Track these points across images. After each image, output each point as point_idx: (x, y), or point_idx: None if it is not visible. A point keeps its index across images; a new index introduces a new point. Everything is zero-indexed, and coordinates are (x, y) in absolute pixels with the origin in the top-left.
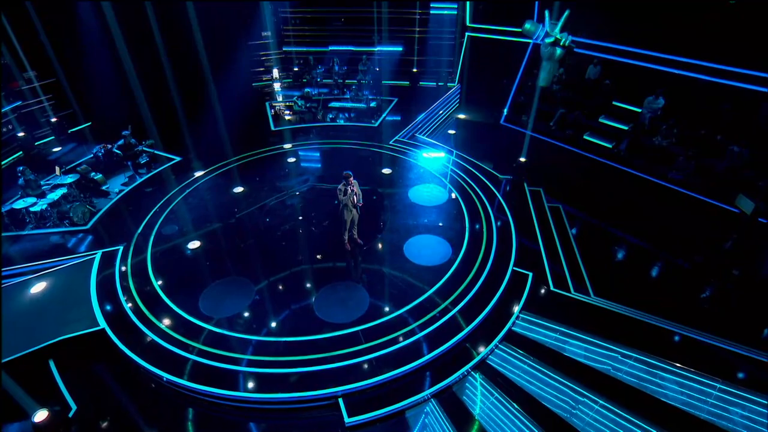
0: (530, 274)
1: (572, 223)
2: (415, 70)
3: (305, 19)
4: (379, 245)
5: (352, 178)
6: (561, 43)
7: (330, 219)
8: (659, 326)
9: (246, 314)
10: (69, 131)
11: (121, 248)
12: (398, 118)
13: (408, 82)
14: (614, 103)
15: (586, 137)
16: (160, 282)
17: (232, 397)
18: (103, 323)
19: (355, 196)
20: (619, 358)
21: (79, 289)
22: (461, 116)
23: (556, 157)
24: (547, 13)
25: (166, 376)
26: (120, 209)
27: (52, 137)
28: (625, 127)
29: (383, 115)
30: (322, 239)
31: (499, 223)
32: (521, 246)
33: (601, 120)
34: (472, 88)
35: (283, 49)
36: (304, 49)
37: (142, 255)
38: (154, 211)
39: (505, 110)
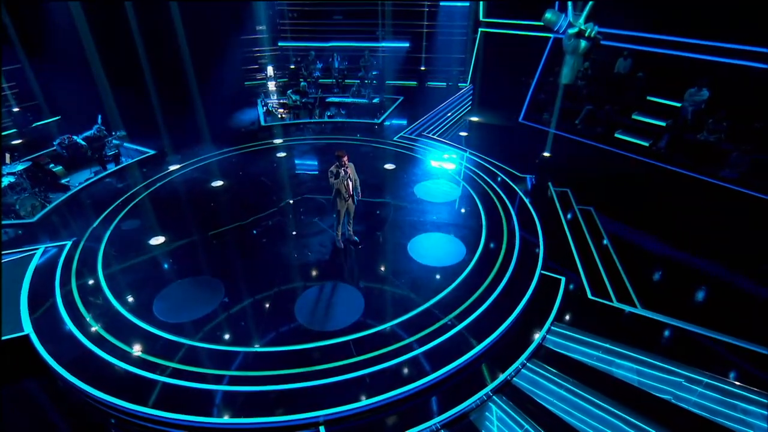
0: (562, 279)
1: (607, 227)
2: (423, 68)
3: (303, 13)
4: (380, 242)
5: (346, 159)
6: (586, 35)
7: (319, 215)
8: (735, 344)
9: (210, 319)
10: (33, 125)
11: (69, 243)
12: (403, 116)
13: (416, 82)
14: (648, 98)
15: (618, 135)
16: (110, 282)
17: (180, 423)
18: (28, 328)
19: (349, 181)
20: (684, 383)
21: (8, 288)
22: (474, 119)
23: (585, 156)
24: (570, 1)
25: (99, 395)
26: (77, 203)
27: (14, 129)
28: (663, 123)
29: (387, 113)
30: (310, 235)
31: (521, 222)
32: (549, 249)
33: (634, 117)
34: (486, 89)
35: (279, 44)
36: (302, 44)
37: (93, 251)
38: (115, 204)
39: (524, 108)
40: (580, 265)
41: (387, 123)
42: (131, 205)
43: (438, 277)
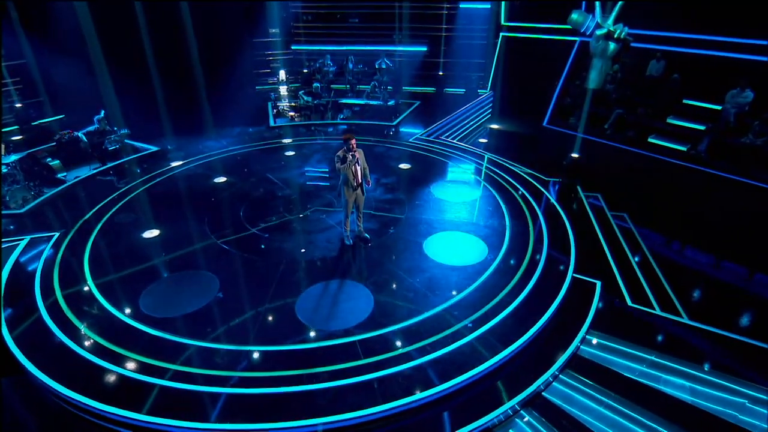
0: (598, 283)
1: (643, 233)
2: (441, 73)
3: (318, 15)
4: (393, 240)
5: (354, 142)
6: (615, 36)
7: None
8: None
9: (201, 315)
10: (34, 122)
11: (56, 234)
12: (419, 120)
13: (434, 89)
14: (685, 101)
15: (651, 140)
16: (95, 274)
17: (160, 429)
18: None
19: (358, 167)
20: (747, 405)
21: None
22: (495, 126)
23: (616, 161)
24: (598, 1)
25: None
26: (70, 196)
27: (16, 126)
28: (702, 127)
29: (402, 116)
30: (316, 231)
31: (548, 224)
32: (581, 252)
33: (669, 120)
34: (508, 96)
35: (292, 48)
36: (316, 48)
37: (82, 243)
38: (110, 198)
39: (548, 112)
40: (616, 270)
41: (402, 126)
42: (126, 199)
43: (457, 277)
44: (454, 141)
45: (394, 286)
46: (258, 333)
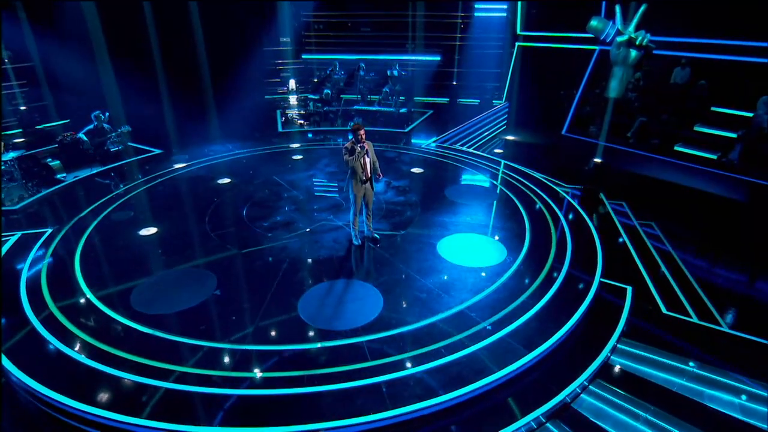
0: (629, 289)
1: (672, 241)
2: (454, 83)
3: (330, 24)
4: (405, 240)
5: (363, 133)
6: (637, 43)
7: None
8: None
9: (195, 312)
10: (38, 126)
11: (49, 230)
12: (432, 128)
13: (447, 99)
14: (712, 108)
15: (678, 148)
16: (87, 271)
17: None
18: None
19: (367, 159)
20: None
21: None
22: (510, 137)
23: (640, 170)
24: (618, 7)
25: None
26: (67, 195)
27: (19, 129)
28: (733, 135)
29: (414, 123)
30: (323, 231)
31: (572, 228)
32: (608, 258)
33: (696, 128)
34: (524, 106)
35: (303, 57)
36: (327, 57)
37: (75, 240)
38: (109, 197)
39: (567, 121)
40: (647, 276)
41: (415, 133)
42: (125, 198)
43: (473, 278)
44: (470, 149)
45: (406, 286)
46: (257, 333)
